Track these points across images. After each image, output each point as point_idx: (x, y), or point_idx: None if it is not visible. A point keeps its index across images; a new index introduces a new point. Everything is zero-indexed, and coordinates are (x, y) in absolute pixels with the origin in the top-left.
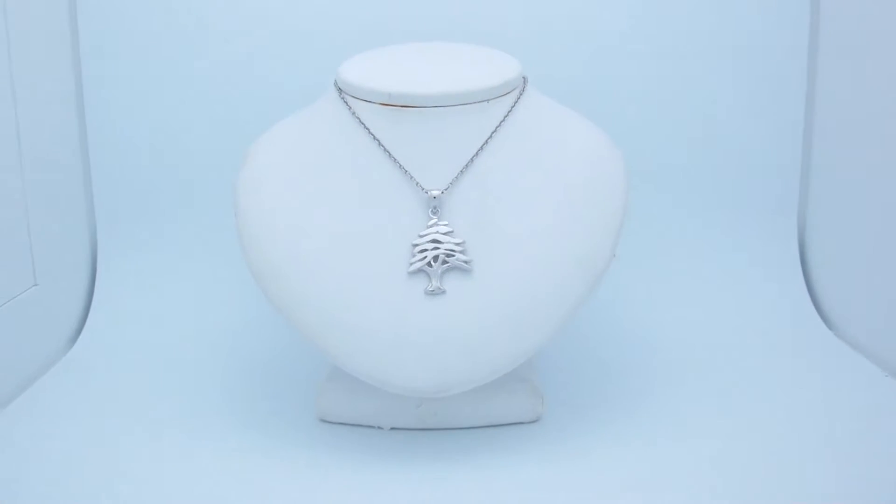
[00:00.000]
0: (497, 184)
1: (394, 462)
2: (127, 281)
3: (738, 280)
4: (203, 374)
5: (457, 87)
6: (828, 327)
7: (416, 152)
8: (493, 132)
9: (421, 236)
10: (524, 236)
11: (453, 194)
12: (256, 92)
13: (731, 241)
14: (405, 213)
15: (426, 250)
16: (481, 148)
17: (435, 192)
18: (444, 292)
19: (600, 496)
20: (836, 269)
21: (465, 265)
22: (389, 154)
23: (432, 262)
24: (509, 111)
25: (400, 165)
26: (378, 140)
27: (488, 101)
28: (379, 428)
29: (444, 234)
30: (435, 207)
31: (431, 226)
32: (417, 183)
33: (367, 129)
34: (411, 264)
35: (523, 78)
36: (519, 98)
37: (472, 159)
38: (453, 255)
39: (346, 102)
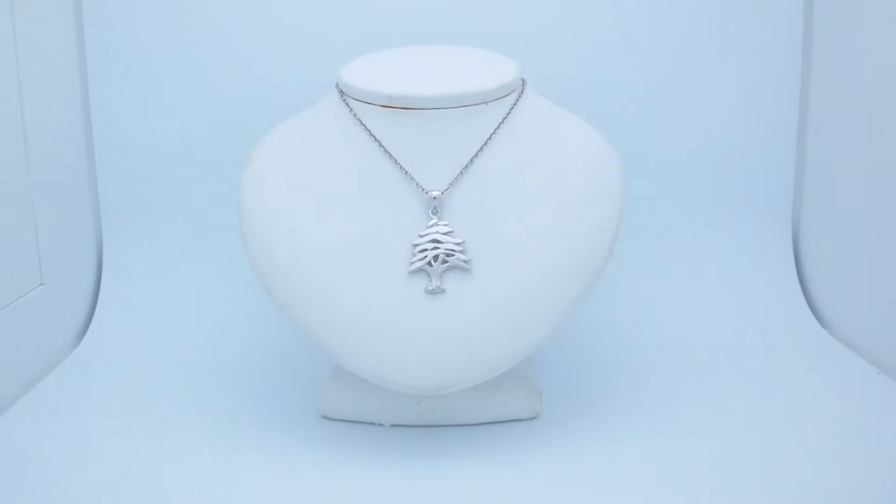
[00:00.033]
0: (496, 184)
1: (395, 458)
2: (132, 280)
3: (733, 279)
4: (207, 372)
5: (456, 90)
6: (821, 326)
7: (416, 153)
8: (492, 134)
9: (421, 236)
10: (523, 236)
11: (453, 195)
12: (261, 92)
13: (727, 242)
14: (406, 214)
15: (426, 250)
16: (481, 149)
17: (435, 193)
18: (444, 291)
19: (597, 492)
20: (829, 269)
21: (464, 265)
22: (390, 155)
23: (432, 262)
24: (508, 113)
25: (400, 166)
26: (379, 141)
27: (487, 103)
28: (380, 425)
29: (444, 234)
30: (435, 208)
31: (432, 226)
32: (418, 184)
33: (368, 130)
34: (412, 264)
35: (522, 80)
36: (518, 100)
37: (471, 160)
38: (453, 255)
39: (347, 104)
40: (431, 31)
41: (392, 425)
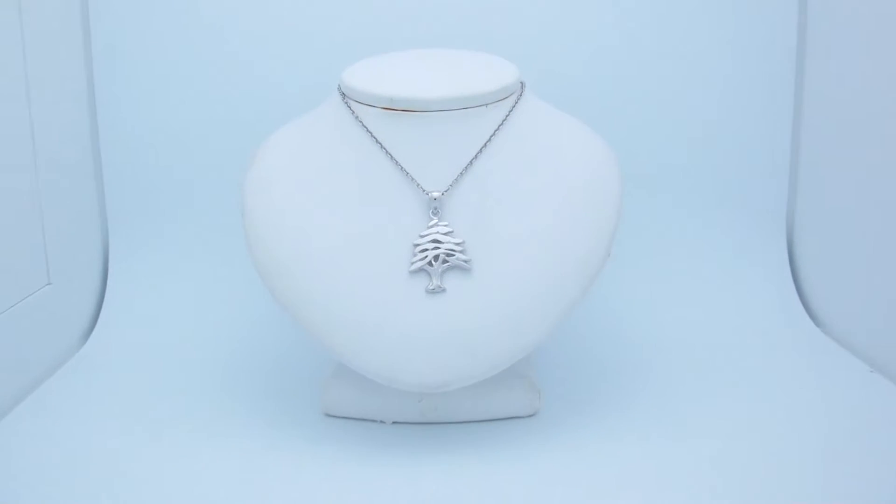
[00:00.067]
0: (496, 186)
1: (396, 454)
2: (138, 280)
3: (728, 278)
4: (211, 371)
5: (456, 92)
6: (815, 324)
7: (417, 155)
8: (491, 135)
9: (422, 236)
10: (522, 237)
11: (453, 196)
12: (267, 93)
13: (722, 241)
14: (406, 214)
15: (427, 250)
16: (480, 151)
17: (435, 194)
18: (444, 291)
19: (595, 488)
20: (823, 268)
21: (464, 264)
22: (391, 156)
23: (433, 262)
24: (507, 115)
25: (401, 167)
26: (380, 143)
27: (487, 105)
28: (382, 422)
29: (445, 234)
30: (435, 208)
31: (432, 226)
32: (418, 184)
33: (369, 132)
34: (412, 263)
35: (521, 83)
36: (517, 103)
37: (471, 162)
38: (453, 255)
39: (349, 107)
40: (431, 30)
41: (394, 422)
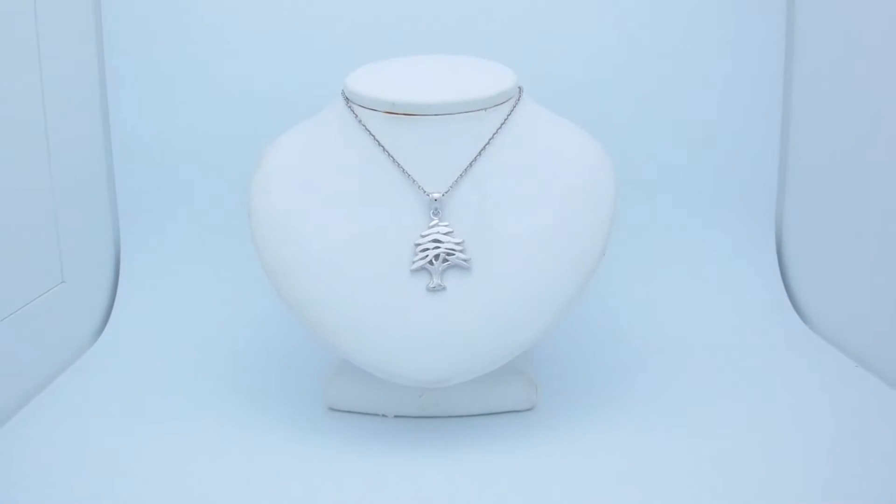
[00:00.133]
0: (495, 187)
1: (398, 447)
2: (149, 278)
3: (718, 277)
4: (221, 367)
5: (456, 97)
6: (803, 321)
7: (418, 157)
8: (490, 139)
9: (423, 236)
10: (520, 237)
11: (453, 197)
12: (276, 96)
13: (713, 241)
14: (408, 215)
15: (428, 249)
16: (479, 154)
17: (436, 195)
18: (444, 289)
19: (591, 480)
20: (810, 267)
21: (464, 263)
22: (393, 159)
23: (433, 261)
24: (506, 119)
25: (403, 170)
26: (382, 146)
27: (486, 109)
28: (384, 416)
29: (445, 234)
30: (436, 209)
31: (433, 226)
32: (419, 186)
33: (372, 135)
34: (414, 262)
35: (519, 88)
36: (515, 107)
37: (470, 164)
38: (453, 254)
39: (352, 111)
40: (431, 31)
41: (395, 416)
